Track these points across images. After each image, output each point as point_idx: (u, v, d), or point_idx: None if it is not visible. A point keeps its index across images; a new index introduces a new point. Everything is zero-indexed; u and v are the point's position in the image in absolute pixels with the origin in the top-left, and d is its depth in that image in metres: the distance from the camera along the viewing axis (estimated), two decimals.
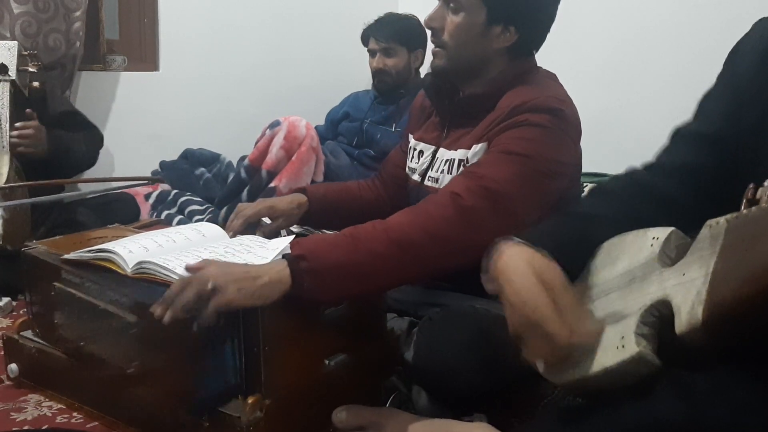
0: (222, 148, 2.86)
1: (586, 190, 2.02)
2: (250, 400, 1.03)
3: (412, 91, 2.52)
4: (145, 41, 2.79)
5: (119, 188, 2.49)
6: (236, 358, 1.05)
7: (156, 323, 1.09)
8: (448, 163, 1.36)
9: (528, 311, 0.85)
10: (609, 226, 0.95)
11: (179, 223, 2.42)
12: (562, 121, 1.25)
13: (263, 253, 1.19)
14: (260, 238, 1.31)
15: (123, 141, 2.65)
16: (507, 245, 0.92)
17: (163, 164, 2.76)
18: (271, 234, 1.41)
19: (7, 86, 1.99)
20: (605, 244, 0.95)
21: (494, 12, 1.29)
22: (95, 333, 1.18)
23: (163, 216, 2.56)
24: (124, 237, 1.30)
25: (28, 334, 1.34)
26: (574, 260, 0.95)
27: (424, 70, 2.62)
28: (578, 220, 0.99)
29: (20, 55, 2.06)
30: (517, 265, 0.89)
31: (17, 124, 1.99)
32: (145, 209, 2.58)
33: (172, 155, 2.79)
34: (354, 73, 3.12)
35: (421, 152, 1.46)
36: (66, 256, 1.23)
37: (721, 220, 0.70)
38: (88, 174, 2.57)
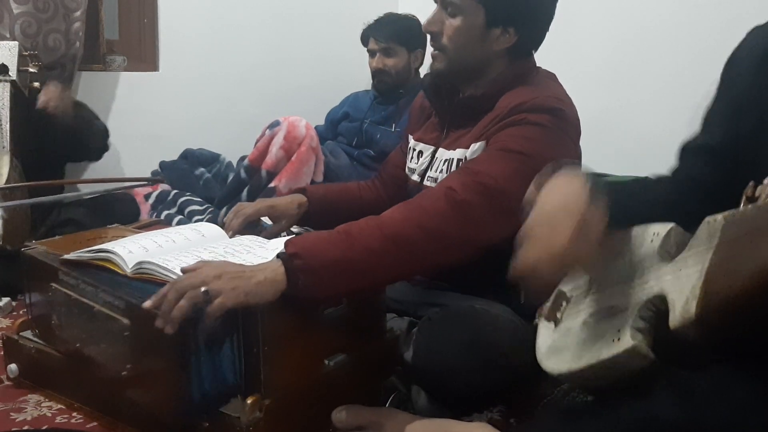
0: (222, 148, 2.86)
1: None
2: (249, 401, 1.03)
3: (411, 91, 2.52)
4: (145, 41, 2.79)
5: (119, 189, 2.49)
6: (236, 358, 1.05)
7: (125, 336, 1.09)
8: (447, 163, 1.35)
9: (542, 214, 0.87)
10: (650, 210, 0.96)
11: (179, 223, 2.42)
12: (561, 120, 1.25)
13: (263, 253, 1.19)
14: (259, 238, 1.31)
15: (123, 141, 2.65)
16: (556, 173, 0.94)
17: (162, 164, 2.76)
18: (274, 237, 1.41)
19: (7, 87, 1.99)
20: (608, 239, 0.95)
21: (493, 14, 1.29)
22: (91, 334, 1.18)
23: (162, 216, 2.56)
24: (123, 237, 1.30)
25: (28, 334, 1.34)
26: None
27: (424, 70, 2.62)
28: (624, 194, 0.99)
29: (21, 56, 2.06)
30: (560, 181, 0.90)
31: (42, 91, 2.05)
32: (144, 209, 2.58)
33: (172, 155, 2.79)
34: (354, 73, 3.12)
35: (420, 152, 1.46)
36: (65, 257, 1.23)
37: (719, 216, 0.70)
38: (88, 174, 2.58)
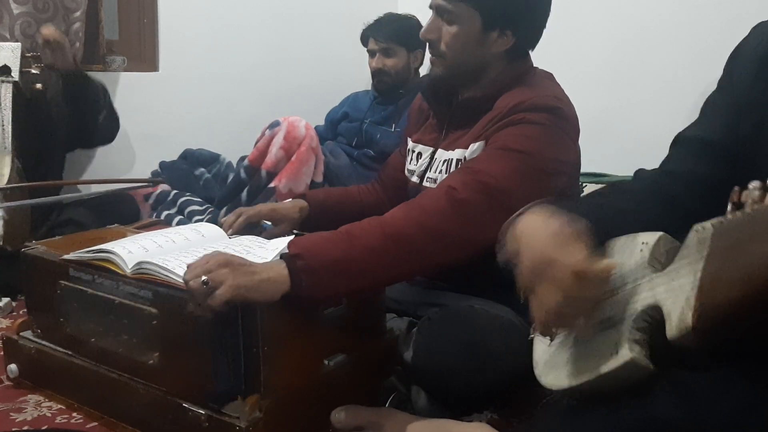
0: (222, 149, 2.86)
1: (585, 190, 2.03)
2: (249, 401, 1.03)
3: (411, 91, 2.52)
4: (145, 41, 2.79)
5: (119, 189, 2.49)
6: (235, 358, 1.05)
7: (153, 324, 1.10)
8: (446, 164, 1.36)
9: (537, 254, 0.84)
10: (629, 220, 0.94)
11: (179, 223, 2.42)
12: (560, 119, 1.25)
13: (262, 253, 1.19)
14: (259, 238, 1.31)
15: (123, 141, 2.64)
16: (527, 212, 0.91)
17: (162, 164, 2.76)
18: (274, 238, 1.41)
19: (9, 87, 2.00)
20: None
21: (489, 18, 1.29)
22: (110, 327, 1.18)
23: (162, 216, 2.55)
24: (123, 237, 1.30)
25: (28, 334, 1.34)
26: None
27: (423, 70, 2.62)
28: (598, 209, 0.97)
29: (23, 57, 2.06)
30: (534, 221, 0.88)
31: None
32: (144, 210, 2.58)
33: (172, 155, 2.79)
34: (354, 73, 3.12)
35: (419, 154, 1.46)
36: (66, 257, 1.23)
37: (707, 224, 0.70)
38: (89, 175, 2.58)
